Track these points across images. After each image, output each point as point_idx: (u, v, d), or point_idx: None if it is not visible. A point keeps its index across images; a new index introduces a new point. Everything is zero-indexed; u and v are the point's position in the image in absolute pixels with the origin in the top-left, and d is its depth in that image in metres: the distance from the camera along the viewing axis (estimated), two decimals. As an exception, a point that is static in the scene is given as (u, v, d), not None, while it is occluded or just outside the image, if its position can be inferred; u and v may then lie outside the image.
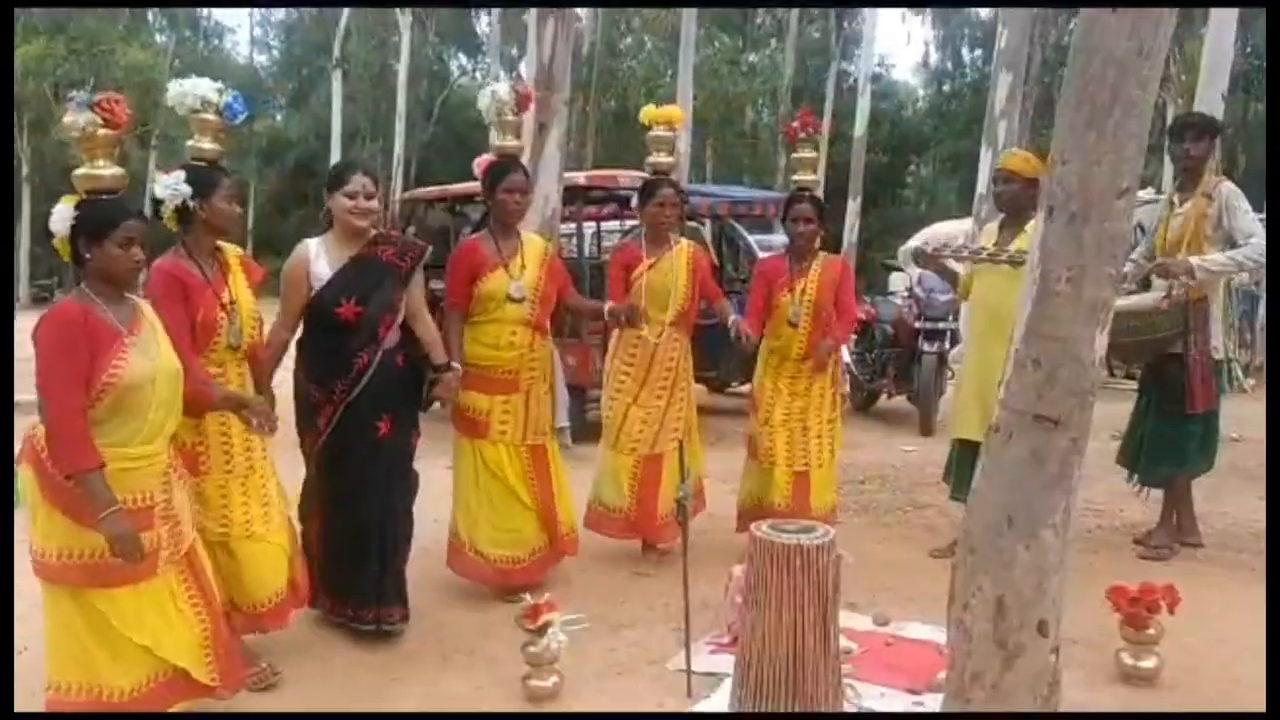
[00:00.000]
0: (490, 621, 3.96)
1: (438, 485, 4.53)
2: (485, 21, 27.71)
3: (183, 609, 2.90)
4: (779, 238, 9.83)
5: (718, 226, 9.67)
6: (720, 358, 8.18)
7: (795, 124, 4.94)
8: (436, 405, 4.19)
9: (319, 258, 3.72)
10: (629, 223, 8.96)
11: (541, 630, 3.28)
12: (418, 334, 3.88)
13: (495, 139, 4.31)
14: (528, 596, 3.67)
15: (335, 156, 24.84)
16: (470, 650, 3.77)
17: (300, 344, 3.80)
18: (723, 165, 27.60)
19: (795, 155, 4.95)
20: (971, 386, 4.73)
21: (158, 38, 30.21)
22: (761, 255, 9.21)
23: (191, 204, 3.25)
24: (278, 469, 3.55)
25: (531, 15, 7.03)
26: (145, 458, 2.81)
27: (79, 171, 2.85)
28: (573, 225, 8.88)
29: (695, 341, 5.04)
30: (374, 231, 3.81)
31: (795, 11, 25.85)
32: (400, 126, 25.22)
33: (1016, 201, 4.69)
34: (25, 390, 3.08)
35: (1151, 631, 3.45)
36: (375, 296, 3.68)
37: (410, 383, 3.86)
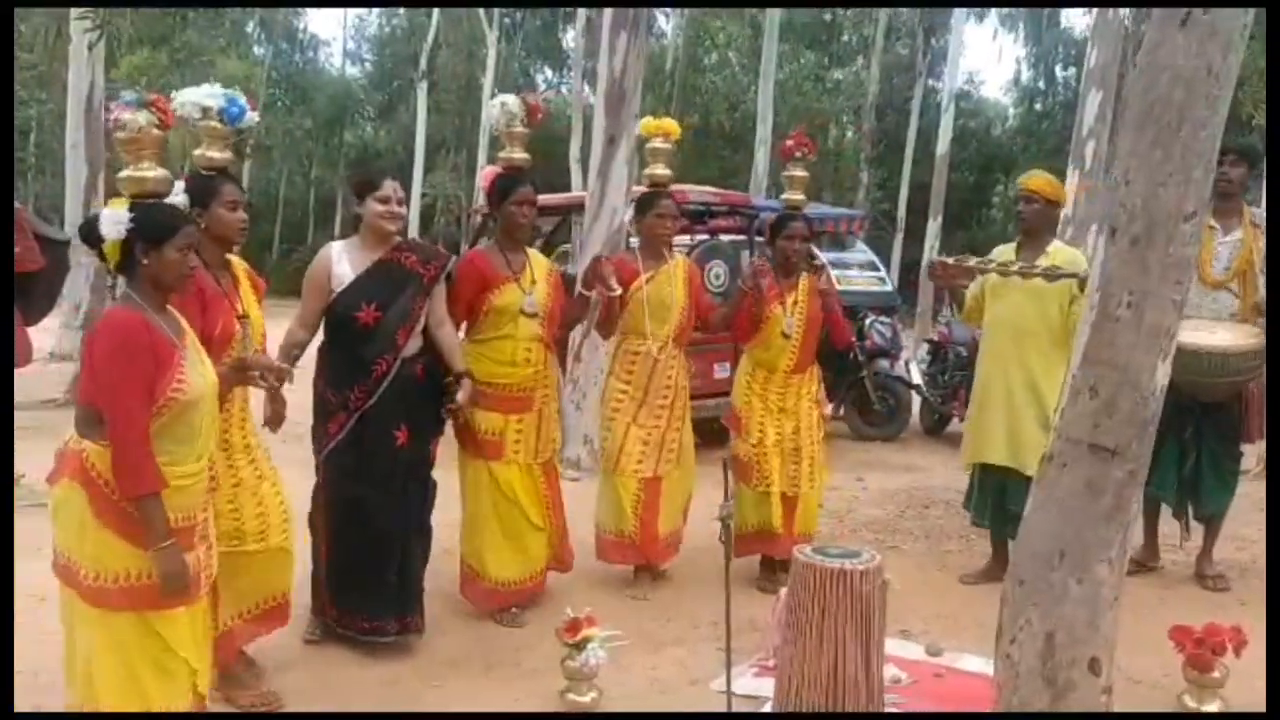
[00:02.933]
0: (536, 633, 3.95)
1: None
2: (570, 36, 27.98)
3: (207, 631, 2.83)
4: (855, 255, 9.74)
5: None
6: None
7: (790, 142, 4.90)
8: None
9: (341, 260, 3.70)
10: (699, 237, 8.91)
11: (580, 645, 3.25)
12: (440, 342, 3.84)
13: (503, 150, 4.29)
14: (514, 610, 4.01)
15: (420, 168, 25.36)
16: (515, 662, 3.77)
17: (320, 350, 3.79)
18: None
19: (786, 173, 4.91)
20: (996, 409, 4.59)
21: (256, 50, 31.18)
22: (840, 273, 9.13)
23: (191, 214, 3.15)
24: (277, 485, 3.42)
25: (604, 28, 7.05)
26: (194, 475, 2.69)
27: (124, 174, 2.77)
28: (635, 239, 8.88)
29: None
30: (398, 238, 3.77)
31: (881, 27, 25.58)
32: (484, 139, 25.57)
33: (1036, 222, 4.62)
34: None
35: (1216, 674, 3.29)
36: (396, 303, 3.66)
37: (430, 392, 3.82)
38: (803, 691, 2.89)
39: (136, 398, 2.52)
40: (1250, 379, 4.61)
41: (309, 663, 3.67)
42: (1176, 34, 2.47)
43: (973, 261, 4.71)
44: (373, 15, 34.51)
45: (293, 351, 3.73)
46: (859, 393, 8.80)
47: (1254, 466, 7.40)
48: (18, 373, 5.34)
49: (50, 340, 11.16)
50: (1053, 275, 4.36)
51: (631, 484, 4.55)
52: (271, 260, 26.95)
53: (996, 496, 4.68)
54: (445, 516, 4.11)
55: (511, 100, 4.27)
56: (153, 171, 2.76)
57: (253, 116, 3.38)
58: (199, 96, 3.25)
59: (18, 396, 5.75)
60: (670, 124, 4.86)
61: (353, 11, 34.42)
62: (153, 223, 2.66)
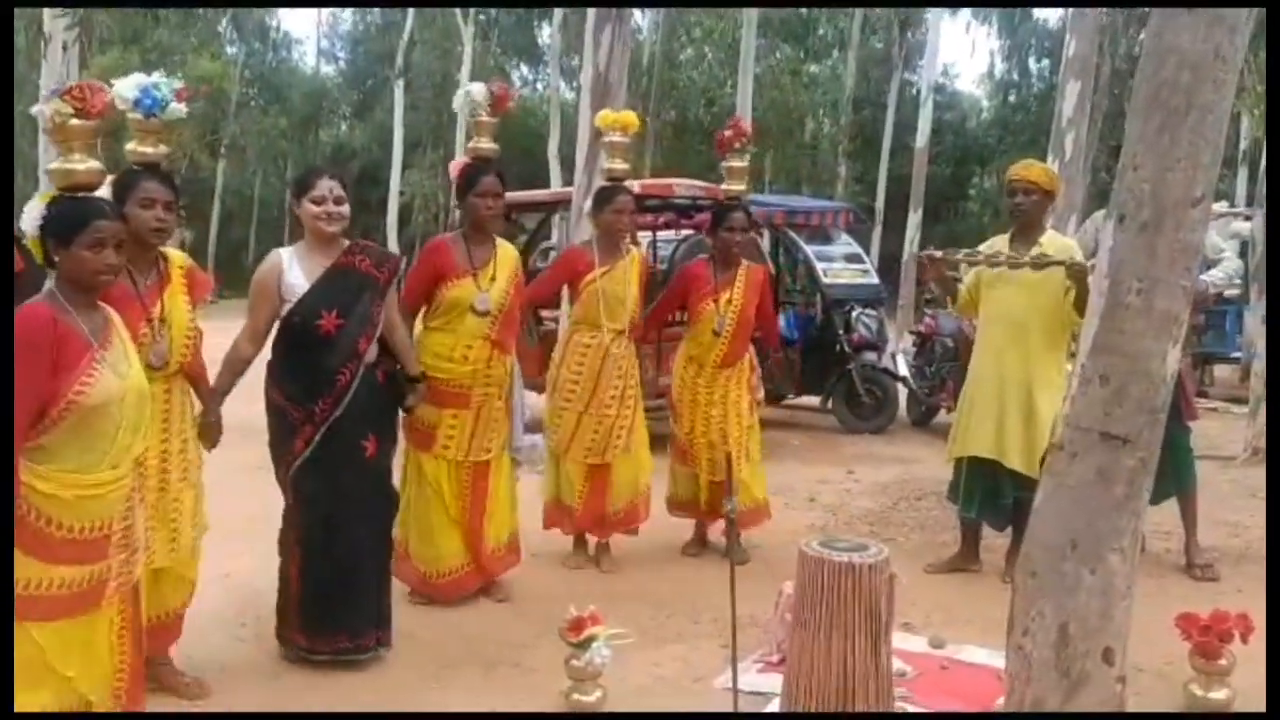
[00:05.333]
0: (535, 633, 3.90)
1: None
2: (547, 32, 27.87)
3: (112, 640, 2.66)
4: (838, 248, 9.71)
5: (774, 237, 9.56)
6: (770, 370, 8.04)
7: (728, 133, 4.90)
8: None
9: (293, 268, 3.55)
10: (685, 231, 8.87)
11: (585, 644, 3.21)
12: (393, 344, 3.75)
13: (470, 140, 4.23)
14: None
15: (397, 165, 25.17)
16: (515, 662, 3.72)
17: (274, 363, 3.61)
18: (782, 176, 27.45)
19: (726, 164, 4.91)
20: (987, 402, 4.59)
21: (228, 49, 30.90)
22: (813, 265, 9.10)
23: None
24: (201, 495, 3.33)
25: (589, 23, 7.00)
26: (108, 484, 2.57)
27: (52, 166, 2.64)
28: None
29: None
30: (347, 241, 3.64)
31: (857, 22, 25.61)
32: (460, 136, 25.39)
33: (1034, 213, 4.60)
34: None
35: (1223, 662, 3.28)
36: (355, 308, 3.52)
37: (390, 398, 3.75)
38: (812, 686, 2.85)
39: (18, 398, 2.38)
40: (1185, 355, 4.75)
41: (304, 669, 3.60)
42: (1183, 16, 2.46)
43: (961, 254, 4.70)
44: (346, 13, 34.28)
45: (240, 368, 3.56)
46: (846, 385, 8.80)
47: (1241, 454, 7.48)
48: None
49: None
50: (1040, 264, 4.35)
51: (581, 469, 4.66)
52: (248, 261, 26.70)
53: (988, 489, 4.69)
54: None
55: (477, 89, 4.18)
56: (83, 164, 2.62)
57: (178, 108, 3.15)
58: (122, 88, 3.04)
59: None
60: (628, 117, 4.85)
61: (326, 9, 34.19)
62: (59, 219, 2.53)
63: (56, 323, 2.46)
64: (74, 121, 2.64)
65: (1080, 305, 4.35)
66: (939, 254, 4.70)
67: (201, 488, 3.35)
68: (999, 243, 4.72)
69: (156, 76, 3.13)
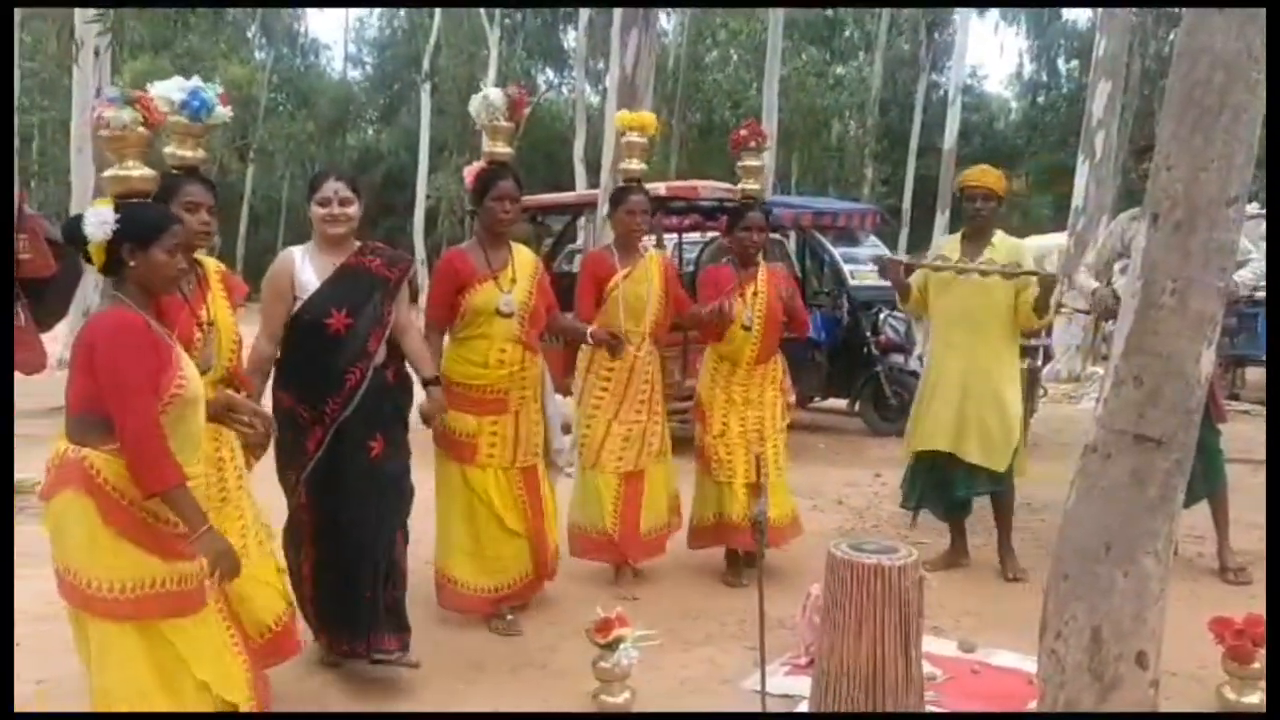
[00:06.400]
0: (561, 634, 3.91)
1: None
2: (572, 36, 27.96)
3: (227, 639, 2.67)
4: (865, 250, 9.67)
5: (801, 238, 9.53)
6: (799, 373, 8.01)
7: (743, 132, 4.86)
8: (419, 424, 3.88)
9: (305, 267, 3.52)
10: (710, 234, 8.87)
11: (612, 645, 3.21)
12: (405, 348, 3.68)
13: (486, 144, 4.17)
14: (509, 615, 3.94)
15: (423, 169, 25.32)
16: (541, 664, 3.73)
17: (281, 362, 3.56)
18: (808, 177, 27.40)
19: (742, 164, 4.85)
20: (947, 397, 4.66)
21: (256, 54, 31.20)
22: (843, 266, 9.06)
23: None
24: (255, 499, 3.25)
25: (615, 25, 7.03)
26: (198, 478, 2.61)
27: (109, 173, 2.66)
28: (652, 236, 8.83)
29: None
30: (358, 242, 3.61)
31: (884, 23, 25.56)
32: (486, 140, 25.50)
33: (991, 218, 4.72)
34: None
35: (1257, 665, 3.25)
36: (365, 308, 3.48)
37: (400, 399, 3.69)
38: (841, 688, 2.84)
39: (147, 393, 2.45)
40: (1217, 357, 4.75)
41: (330, 669, 3.62)
42: (1215, 16, 2.44)
43: (934, 260, 4.78)
44: (373, 18, 34.56)
45: (264, 368, 3.54)
46: (874, 388, 8.76)
47: (1275, 456, 7.39)
48: (33, 379, 5.31)
49: (59, 347, 11.13)
50: (1011, 273, 4.51)
51: (613, 480, 4.55)
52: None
53: (936, 481, 4.80)
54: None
55: (494, 93, 4.14)
56: (138, 170, 2.66)
57: (223, 112, 3.15)
58: (166, 90, 3.02)
59: (29, 404, 5.68)
60: (646, 118, 4.83)
61: (353, 14, 34.49)
62: (139, 223, 2.56)
63: (148, 323, 2.53)
64: (140, 130, 2.68)
65: (1039, 308, 4.53)
66: (904, 259, 4.77)
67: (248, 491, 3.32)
68: (949, 244, 4.84)
69: (196, 80, 3.13)
